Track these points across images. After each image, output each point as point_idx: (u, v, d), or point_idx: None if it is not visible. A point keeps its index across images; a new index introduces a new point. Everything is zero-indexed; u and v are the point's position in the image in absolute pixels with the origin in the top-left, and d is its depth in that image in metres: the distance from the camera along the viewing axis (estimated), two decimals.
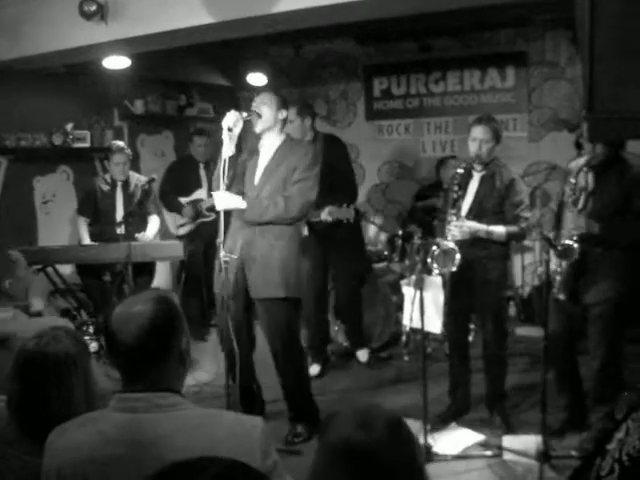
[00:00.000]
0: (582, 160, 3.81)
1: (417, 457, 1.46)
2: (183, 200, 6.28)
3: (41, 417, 1.97)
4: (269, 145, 4.18)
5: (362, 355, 5.63)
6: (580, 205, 3.79)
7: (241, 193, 4.12)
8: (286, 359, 4.20)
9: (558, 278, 3.78)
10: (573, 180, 3.78)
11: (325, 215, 4.88)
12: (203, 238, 6.18)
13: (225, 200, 4.04)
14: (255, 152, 4.24)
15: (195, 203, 6.25)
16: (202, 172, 6.38)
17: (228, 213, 4.12)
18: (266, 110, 4.09)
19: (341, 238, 5.24)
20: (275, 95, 4.18)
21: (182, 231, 6.30)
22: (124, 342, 1.71)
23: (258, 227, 4.07)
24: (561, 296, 3.81)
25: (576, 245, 3.61)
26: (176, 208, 6.29)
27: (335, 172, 5.09)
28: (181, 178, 6.34)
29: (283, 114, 4.15)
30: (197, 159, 6.41)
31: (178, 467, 1.12)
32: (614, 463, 1.65)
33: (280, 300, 4.07)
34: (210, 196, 6.07)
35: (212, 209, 5.98)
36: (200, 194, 6.28)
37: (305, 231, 5.11)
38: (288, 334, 4.15)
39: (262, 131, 4.14)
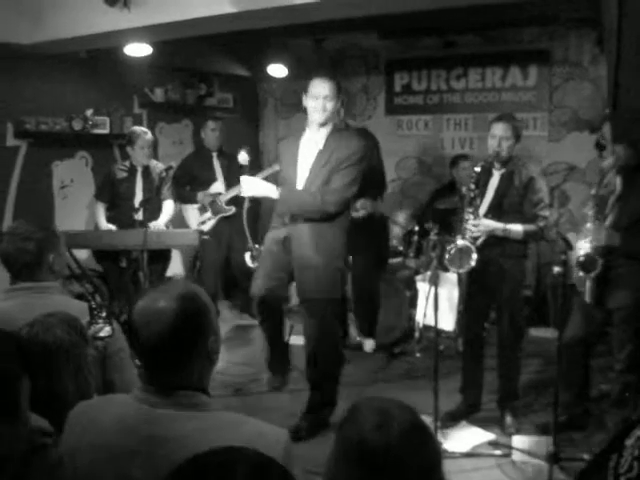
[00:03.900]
0: (610, 161, 3.77)
1: (434, 463, 1.42)
2: (202, 195, 6.19)
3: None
4: (316, 134, 4.03)
5: (368, 345, 5.64)
6: (607, 210, 3.76)
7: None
8: (323, 363, 4.18)
9: (588, 283, 3.76)
10: (594, 191, 3.75)
11: (357, 212, 4.90)
12: (225, 237, 6.15)
13: (254, 186, 4.00)
14: (293, 138, 4.18)
15: (214, 197, 6.18)
16: (216, 163, 6.30)
17: (254, 210, 4.08)
18: (328, 104, 3.93)
19: (367, 230, 5.24)
20: (334, 83, 3.96)
21: (205, 227, 6.18)
22: (147, 339, 1.66)
23: (303, 224, 4.01)
24: (587, 299, 3.79)
25: (598, 259, 3.62)
26: (188, 198, 6.21)
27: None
28: (194, 173, 6.24)
29: (339, 102, 4.00)
30: (209, 147, 6.31)
31: (206, 464, 1.10)
32: (633, 461, 1.63)
33: (321, 300, 4.04)
34: (228, 187, 6.08)
35: (231, 202, 6.00)
36: (217, 187, 6.21)
37: None
38: (327, 337, 4.13)
39: (324, 122, 3.97)
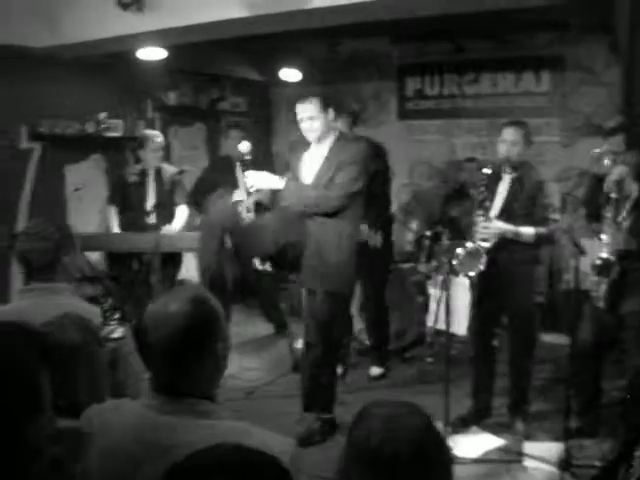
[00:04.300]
0: (622, 168, 3.75)
1: (445, 470, 1.40)
2: None
3: None
4: (320, 147, 4.12)
5: (375, 370, 5.41)
6: (624, 214, 3.75)
7: None
8: (322, 355, 4.18)
9: (603, 287, 3.74)
10: (615, 195, 3.73)
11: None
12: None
13: (259, 179, 4.05)
14: (299, 146, 4.24)
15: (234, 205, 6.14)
16: (238, 170, 6.13)
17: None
18: (314, 123, 4.03)
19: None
20: (314, 100, 4.03)
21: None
22: (156, 343, 1.65)
23: (314, 221, 4.06)
24: (601, 304, 3.78)
25: (615, 263, 3.60)
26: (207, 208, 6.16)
27: (372, 182, 5.10)
28: (217, 182, 6.14)
29: (331, 114, 4.06)
30: (233, 155, 6.16)
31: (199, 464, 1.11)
32: None
33: (322, 292, 4.06)
34: (249, 195, 6.07)
35: (252, 209, 5.95)
36: (238, 195, 6.13)
37: None
38: (326, 329, 4.13)
39: (318, 140, 4.09)
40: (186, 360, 1.66)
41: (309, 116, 4.02)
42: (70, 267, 2.65)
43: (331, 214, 4.01)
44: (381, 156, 5.41)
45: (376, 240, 5.05)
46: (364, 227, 4.89)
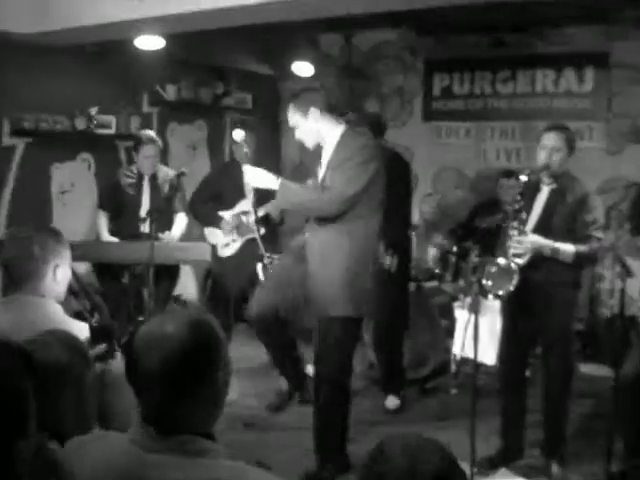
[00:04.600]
0: None
1: None
2: (225, 215, 6.10)
3: None
4: (330, 141, 4.14)
5: (391, 402, 5.40)
6: None
7: None
8: (327, 389, 4.16)
9: None
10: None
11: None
12: (249, 259, 5.97)
13: (257, 176, 4.10)
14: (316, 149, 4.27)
15: (239, 216, 6.14)
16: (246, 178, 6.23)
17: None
18: (299, 131, 4.14)
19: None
20: (290, 106, 4.15)
21: (228, 251, 6.09)
22: (147, 370, 1.63)
23: (319, 227, 4.08)
24: None
25: None
26: (210, 220, 6.11)
27: (391, 196, 5.11)
28: (222, 190, 6.12)
29: (313, 116, 4.07)
30: (240, 160, 6.21)
31: None
32: None
33: (328, 318, 4.05)
34: (257, 207, 6.06)
35: (260, 222, 5.93)
36: (245, 205, 6.11)
37: None
38: (334, 359, 4.10)
39: (316, 146, 4.16)
40: (181, 390, 1.64)
41: (294, 125, 4.15)
42: (60, 277, 2.65)
43: (330, 222, 4.01)
44: (401, 164, 5.42)
45: (391, 264, 5.04)
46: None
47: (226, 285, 6.14)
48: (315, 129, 4.10)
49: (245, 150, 4.55)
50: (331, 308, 4.01)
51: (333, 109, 4.15)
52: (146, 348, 1.64)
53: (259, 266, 5.30)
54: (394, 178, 5.14)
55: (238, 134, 4.53)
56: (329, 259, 4.02)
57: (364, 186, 3.96)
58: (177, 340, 1.63)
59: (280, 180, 4.07)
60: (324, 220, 4.02)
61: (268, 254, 4.78)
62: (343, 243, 4.01)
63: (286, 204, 4.21)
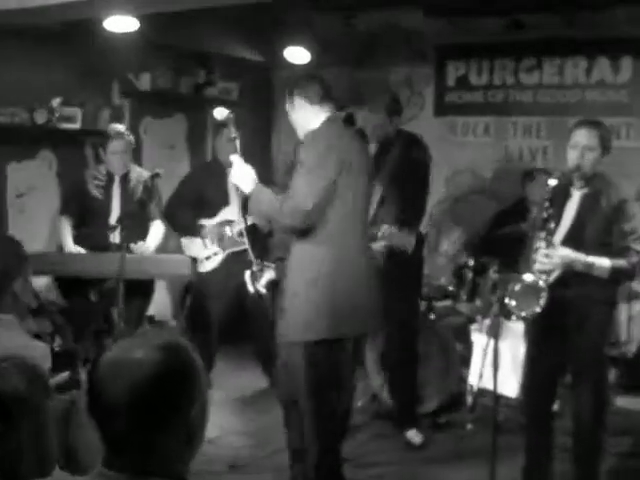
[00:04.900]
0: None
1: None
2: (207, 224, 6.14)
3: None
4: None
5: (414, 437, 5.42)
6: None
7: None
8: (308, 427, 4.16)
9: None
10: None
11: (378, 244, 4.87)
12: (235, 275, 5.96)
13: (244, 175, 4.13)
14: None
15: (223, 226, 6.13)
16: (230, 181, 6.19)
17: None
18: (293, 118, 4.27)
19: (396, 266, 5.18)
20: (288, 95, 4.25)
21: (209, 265, 6.13)
22: (112, 401, 1.62)
23: (291, 241, 4.11)
24: None
25: None
26: (189, 229, 6.15)
27: (406, 182, 5.11)
28: (202, 194, 6.17)
29: (311, 107, 4.16)
30: (224, 161, 6.02)
31: None
32: None
33: (297, 345, 4.07)
34: (244, 215, 6.03)
35: (245, 233, 5.91)
36: (228, 213, 6.15)
37: None
38: (307, 391, 4.10)
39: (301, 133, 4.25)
40: (150, 425, 1.63)
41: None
42: (23, 295, 2.65)
43: (301, 233, 4.04)
44: (418, 151, 5.47)
45: (409, 242, 4.99)
46: (389, 229, 4.88)
47: (208, 304, 6.13)
48: (301, 120, 4.21)
49: (233, 135, 4.36)
50: (296, 331, 4.05)
51: (323, 100, 4.16)
52: (111, 376, 1.64)
53: (247, 275, 5.26)
54: (410, 163, 5.20)
55: (220, 112, 4.42)
56: (298, 274, 4.07)
57: (325, 194, 3.95)
58: (146, 367, 1.63)
59: (255, 185, 4.10)
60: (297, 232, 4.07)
61: (259, 260, 4.77)
62: (315, 255, 4.05)
63: (256, 213, 4.25)
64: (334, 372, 4.16)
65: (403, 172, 5.11)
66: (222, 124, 5.40)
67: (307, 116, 4.17)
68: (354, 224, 4.14)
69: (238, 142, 4.27)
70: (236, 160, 4.17)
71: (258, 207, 4.15)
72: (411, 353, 5.55)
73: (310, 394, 4.08)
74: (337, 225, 4.05)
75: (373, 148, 5.20)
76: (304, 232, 4.02)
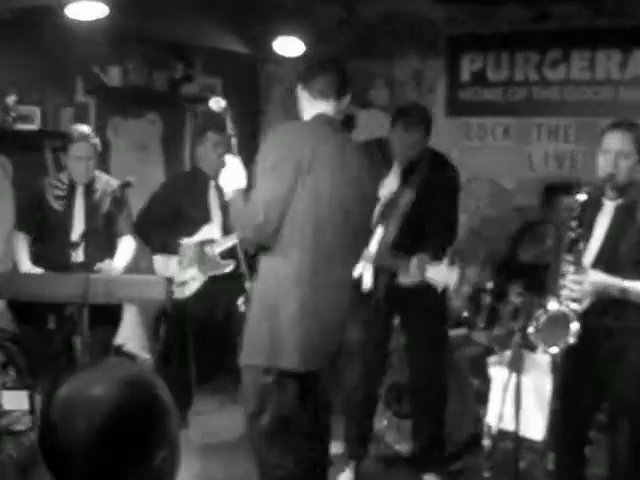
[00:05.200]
0: None
1: None
2: (186, 243, 6.10)
3: None
4: None
5: None
6: None
7: None
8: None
9: None
10: None
11: (407, 278, 4.88)
12: (218, 300, 6.04)
13: (235, 179, 4.12)
14: None
15: (202, 246, 6.09)
16: (212, 195, 6.16)
17: None
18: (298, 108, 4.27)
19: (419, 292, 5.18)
20: (303, 76, 4.24)
21: (186, 291, 6.10)
22: (66, 444, 1.61)
23: None
24: None
25: None
26: (166, 247, 6.13)
27: (433, 207, 5.12)
28: (181, 207, 6.14)
29: (307, 100, 4.17)
30: (207, 171, 6.14)
31: None
32: None
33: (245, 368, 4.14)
34: (225, 233, 6.00)
35: (228, 255, 5.90)
36: (209, 232, 6.11)
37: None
38: (250, 425, 4.16)
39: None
40: (109, 474, 1.62)
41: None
42: None
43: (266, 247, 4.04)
44: (443, 167, 5.53)
45: (450, 278, 4.99)
46: (421, 260, 4.89)
47: (186, 334, 6.11)
48: (301, 112, 4.23)
49: (229, 132, 4.33)
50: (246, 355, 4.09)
51: (326, 96, 4.15)
52: (65, 416, 1.62)
53: (240, 301, 5.25)
54: (437, 185, 5.23)
55: (217, 102, 4.34)
56: (259, 295, 4.11)
57: (280, 204, 3.92)
58: (106, 405, 1.61)
59: (236, 189, 4.10)
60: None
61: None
62: (268, 271, 4.07)
63: (233, 221, 4.24)
64: (281, 411, 4.14)
65: (431, 193, 5.12)
66: (206, 127, 5.41)
67: (305, 109, 4.19)
68: (328, 242, 4.06)
69: (234, 140, 4.26)
70: (231, 161, 4.16)
71: (232, 211, 4.16)
72: (439, 387, 5.55)
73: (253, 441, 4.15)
74: (297, 239, 4.00)
75: (396, 168, 5.23)
76: (264, 247, 4.05)
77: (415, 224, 5.14)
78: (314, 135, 4.09)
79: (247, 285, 4.25)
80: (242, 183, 4.11)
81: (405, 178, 5.23)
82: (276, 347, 3.98)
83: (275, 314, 4.00)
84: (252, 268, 4.64)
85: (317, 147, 4.00)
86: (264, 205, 3.88)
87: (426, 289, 4.99)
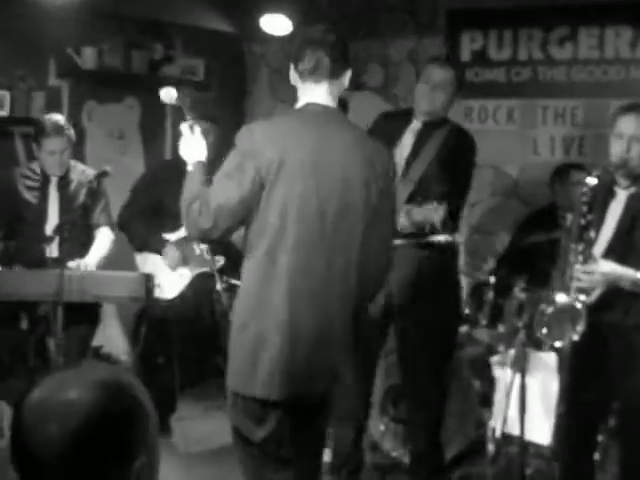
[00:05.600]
0: None
1: None
2: (169, 238, 6.12)
3: None
4: None
5: None
6: None
7: None
8: None
9: None
10: None
11: (403, 220, 4.84)
12: (204, 300, 6.09)
13: (194, 146, 4.11)
14: None
15: (186, 242, 6.08)
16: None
17: None
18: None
19: (425, 274, 5.16)
20: (294, 55, 4.03)
21: (172, 291, 6.12)
22: (38, 451, 1.62)
23: None
24: None
25: None
26: (150, 243, 6.15)
27: (447, 167, 5.12)
28: (157, 200, 6.15)
29: (299, 80, 3.99)
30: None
31: None
32: None
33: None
34: None
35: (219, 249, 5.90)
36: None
37: None
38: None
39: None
40: None
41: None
42: None
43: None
44: (462, 138, 5.60)
45: (436, 214, 4.96)
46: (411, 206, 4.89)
47: (169, 334, 6.11)
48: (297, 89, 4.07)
49: (188, 121, 4.24)
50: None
51: (316, 76, 4.05)
52: (37, 422, 1.63)
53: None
54: (454, 152, 5.24)
55: (167, 93, 4.28)
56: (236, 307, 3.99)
57: (236, 209, 3.82)
58: (80, 410, 1.62)
59: (199, 164, 4.08)
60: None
61: (224, 278, 4.75)
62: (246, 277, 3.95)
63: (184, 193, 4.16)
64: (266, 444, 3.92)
65: (446, 158, 5.15)
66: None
67: (299, 96, 4.00)
68: (308, 246, 3.83)
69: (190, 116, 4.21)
70: (186, 129, 4.14)
71: (187, 187, 4.08)
72: (438, 388, 5.54)
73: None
74: (278, 251, 3.81)
75: (415, 125, 5.30)
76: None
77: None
78: (291, 134, 3.88)
79: (218, 287, 4.19)
80: (203, 154, 4.10)
81: (421, 138, 5.24)
82: (252, 372, 3.78)
83: (249, 333, 3.82)
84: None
85: (292, 149, 3.81)
86: (215, 211, 3.79)
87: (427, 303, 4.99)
